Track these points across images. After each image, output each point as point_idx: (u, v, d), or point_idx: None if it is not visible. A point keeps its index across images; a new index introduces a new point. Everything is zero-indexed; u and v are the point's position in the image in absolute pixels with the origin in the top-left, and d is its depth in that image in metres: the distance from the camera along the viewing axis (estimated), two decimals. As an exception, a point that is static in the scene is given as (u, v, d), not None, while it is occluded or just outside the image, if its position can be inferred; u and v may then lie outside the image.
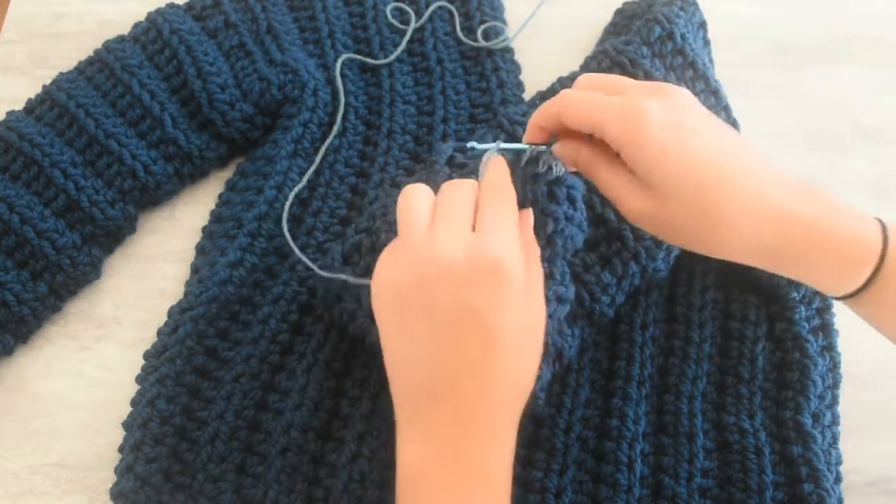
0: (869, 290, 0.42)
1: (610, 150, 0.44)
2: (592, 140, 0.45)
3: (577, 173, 0.48)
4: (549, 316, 0.47)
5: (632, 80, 0.46)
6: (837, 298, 0.44)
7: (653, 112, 0.41)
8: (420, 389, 0.41)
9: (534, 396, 0.49)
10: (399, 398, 0.42)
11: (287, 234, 0.59)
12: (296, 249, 0.57)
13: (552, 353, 0.49)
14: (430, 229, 0.41)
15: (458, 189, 0.43)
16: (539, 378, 0.48)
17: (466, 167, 0.54)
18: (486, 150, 0.45)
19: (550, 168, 0.47)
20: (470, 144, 0.46)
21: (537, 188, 0.47)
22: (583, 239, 0.50)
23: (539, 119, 0.46)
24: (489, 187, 0.43)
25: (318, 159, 0.63)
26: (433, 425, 0.41)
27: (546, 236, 0.47)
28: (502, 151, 0.46)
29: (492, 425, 0.41)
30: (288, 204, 0.60)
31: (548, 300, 0.46)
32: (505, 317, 0.40)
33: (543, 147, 0.47)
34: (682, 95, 0.44)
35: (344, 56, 0.69)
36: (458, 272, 0.39)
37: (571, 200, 0.48)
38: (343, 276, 0.52)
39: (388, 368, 0.43)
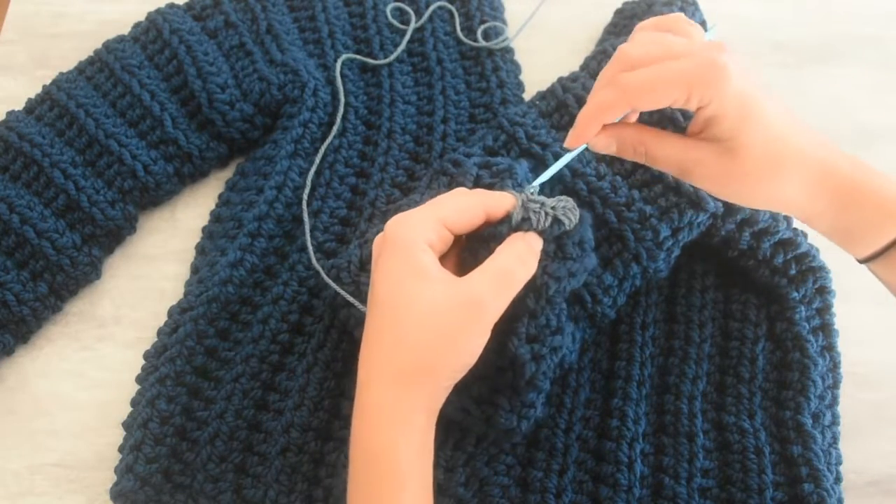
0: (893, 249, 0.44)
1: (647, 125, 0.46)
2: (625, 121, 0.46)
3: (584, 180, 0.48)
4: (543, 372, 0.47)
5: (677, 41, 0.45)
6: (863, 261, 0.46)
7: (730, 64, 0.42)
8: None
9: (522, 432, 0.49)
10: None
11: (310, 246, 0.59)
12: (314, 261, 0.57)
13: (546, 391, 0.49)
14: None
15: (456, 192, 0.45)
16: (531, 413, 0.48)
17: (494, 186, 0.52)
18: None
19: (560, 222, 0.45)
20: (527, 191, 0.45)
21: (545, 246, 0.45)
22: (586, 274, 0.49)
23: (599, 115, 0.44)
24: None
25: (317, 159, 0.63)
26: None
27: (547, 297, 0.46)
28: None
29: (370, 394, 0.42)
30: (305, 215, 0.61)
31: (542, 356, 0.46)
32: (387, 284, 0.42)
33: (545, 199, 0.45)
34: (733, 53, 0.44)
35: (344, 56, 0.69)
36: (375, 251, 0.45)
37: (581, 244, 0.46)
38: (350, 298, 0.52)
39: None
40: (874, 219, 0.44)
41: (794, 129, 0.44)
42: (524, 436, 0.52)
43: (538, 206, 0.45)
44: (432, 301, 0.41)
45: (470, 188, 0.51)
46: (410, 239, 0.42)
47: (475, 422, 0.49)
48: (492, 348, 0.46)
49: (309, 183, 0.62)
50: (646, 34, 0.46)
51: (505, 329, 0.46)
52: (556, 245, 0.46)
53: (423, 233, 0.43)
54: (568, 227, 0.45)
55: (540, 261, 0.45)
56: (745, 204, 0.47)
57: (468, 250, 0.47)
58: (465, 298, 0.41)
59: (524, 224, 0.45)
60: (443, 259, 0.45)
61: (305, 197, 0.61)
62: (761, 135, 0.43)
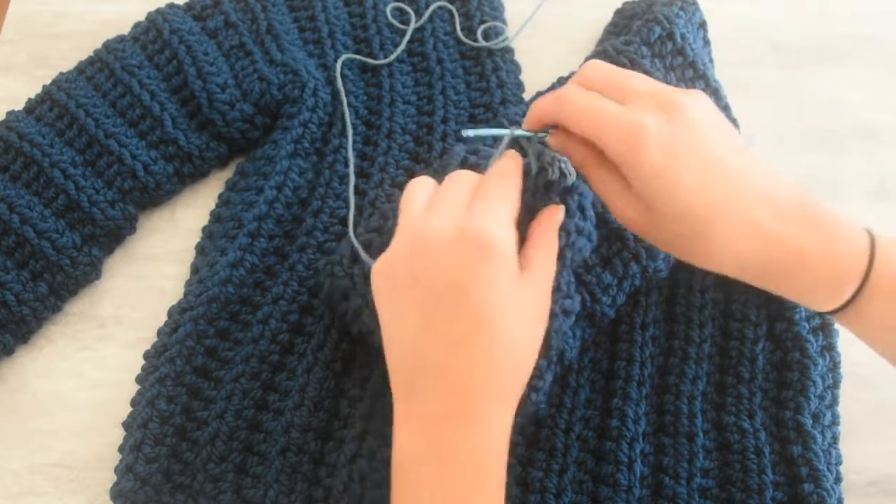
0: (853, 306, 0.43)
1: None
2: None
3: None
4: (555, 331, 0.47)
5: (637, 83, 0.44)
6: (822, 314, 0.46)
7: (650, 130, 0.41)
8: (410, 369, 0.42)
9: (534, 404, 0.49)
10: (394, 380, 0.42)
11: (351, 231, 0.60)
12: (352, 237, 0.57)
13: (555, 361, 0.49)
14: (426, 210, 0.42)
15: (459, 177, 0.44)
16: (540, 384, 0.48)
17: (480, 167, 0.53)
18: (489, 140, 0.45)
19: (564, 175, 0.46)
20: (465, 133, 0.45)
21: (550, 199, 0.46)
22: (591, 249, 0.49)
23: (537, 115, 0.46)
24: (489, 174, 0.44)
25: (350, 157, 0.63)
26: (423, 407, 0.41)
27: (558, 249, 0.46)
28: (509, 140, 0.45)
29: (479, 408, 0.40)
30: (351, 189, 0.62)
31: (554, 314, 0.46)
32: (493, 295, 0.40)
33: (545, 134, 0.46)
34: (688, 111, 0.42)
35: (344, 56, 0.69)
36: (444, 247, 0.40)
37: (582, 210, 0.47)
38: (361, 253, 0.52)
39: (385, 352, 0.43)
40: (823, 285, 0.43)
41: (729, 198, 0.41)
42: (521, 428, 0.52)
43: (549, 157, 0.45)
44: (526, 305, 0.41)
45: (457, 168, 0.50)
46: (508, 242, 0.41)
47: None
48: None
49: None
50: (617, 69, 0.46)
51: None
52: (560, 201, 0.47)
53: (513, 233, 0.42)
54: (569, 182, 0.46)
55: None
56: (692, 263, 0.45)
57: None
58: (542, 297, 0.43)
59: (541, 176, 0.45)
60: None
61: (352, 180, 0.61)
62: (675, 205, 0.41)
